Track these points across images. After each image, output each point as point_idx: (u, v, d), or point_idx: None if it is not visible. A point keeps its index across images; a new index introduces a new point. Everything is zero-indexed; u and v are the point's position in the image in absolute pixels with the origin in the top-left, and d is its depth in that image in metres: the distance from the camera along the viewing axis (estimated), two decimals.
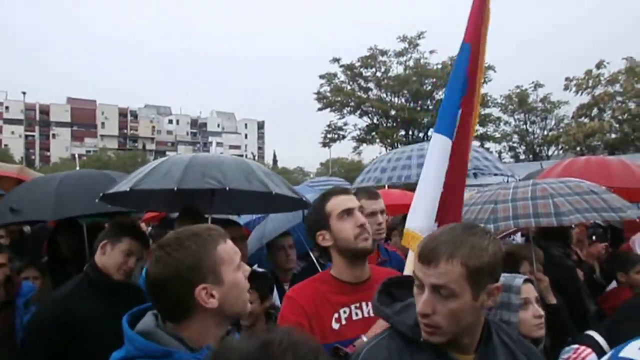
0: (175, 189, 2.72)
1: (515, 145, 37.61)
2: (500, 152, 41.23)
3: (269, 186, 2.94)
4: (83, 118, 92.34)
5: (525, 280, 2.03)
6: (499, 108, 35.71)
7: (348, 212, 2.02)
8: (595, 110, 28.89)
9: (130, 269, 2.63)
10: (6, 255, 3.11)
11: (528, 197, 3.05)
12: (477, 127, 34.07)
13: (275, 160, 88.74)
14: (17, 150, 69.67)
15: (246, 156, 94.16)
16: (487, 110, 34.17)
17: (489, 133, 35.37)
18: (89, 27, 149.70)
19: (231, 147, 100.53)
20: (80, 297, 2.43)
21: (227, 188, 2.76)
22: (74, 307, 2.36)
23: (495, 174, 4.73)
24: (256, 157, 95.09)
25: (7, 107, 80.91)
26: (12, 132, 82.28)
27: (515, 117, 36.82)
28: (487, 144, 37.77)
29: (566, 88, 29.54)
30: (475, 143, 33.94)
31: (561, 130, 32.58)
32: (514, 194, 3.13)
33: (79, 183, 3.97)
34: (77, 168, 8.84)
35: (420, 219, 2.21)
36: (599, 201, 2.88)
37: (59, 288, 2.62)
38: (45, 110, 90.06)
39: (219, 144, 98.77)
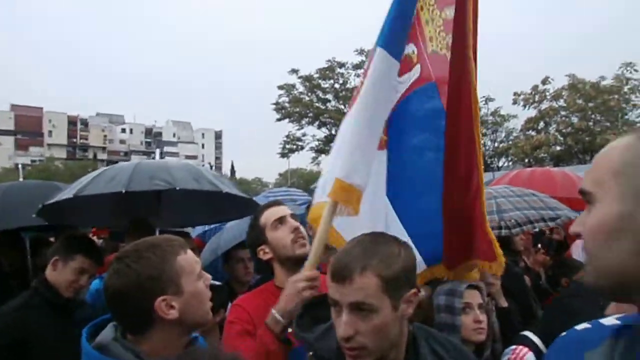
0: (124, 191, 2.66)
1: None
2: None
3: (218, 186, 2.93)
4: (28, 126, 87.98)
5: (470, 286, 2.11)
6: None
7: (280, 220, 2.05)
8: (541, 124, 30.45)
9: (81, 287, 2.58)
10: None
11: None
12: None
13: (233, 171, 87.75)
14: None
15: (203, 166, 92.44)
16: None
17: None
18: (36, 34, 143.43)
19: (187, 157, 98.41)
20: (30, 312, 2.37)
21: (177, 188, 2.72)
22: (24, 322, 2.32)
23: None
24: (213, 168, 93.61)
25: None
26: None
27: None
28: None
29: (515, 102, 31.02)
30: None
31: (511, 142, 34.07)
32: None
33: (23, 194, 3.80)
34: (21, 179, 8.39)
35: (359, 165, 1.82)
36: (538, 202, 3.10)
37: (6, 303, 2.53)
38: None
39: (174, 154, 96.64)
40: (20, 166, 29.45)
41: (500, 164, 36.37)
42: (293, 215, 2.12)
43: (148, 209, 3.25)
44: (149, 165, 3.06)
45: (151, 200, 3.18)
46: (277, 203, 2.17)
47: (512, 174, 6.43)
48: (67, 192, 2.86)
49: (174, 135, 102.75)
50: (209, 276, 1.52)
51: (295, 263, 2.02)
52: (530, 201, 3.11)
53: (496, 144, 36.88)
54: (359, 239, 1.43)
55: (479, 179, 2.07)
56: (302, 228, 2.07)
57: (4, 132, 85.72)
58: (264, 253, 2.07)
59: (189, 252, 1.48)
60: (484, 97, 37.21)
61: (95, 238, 6.25)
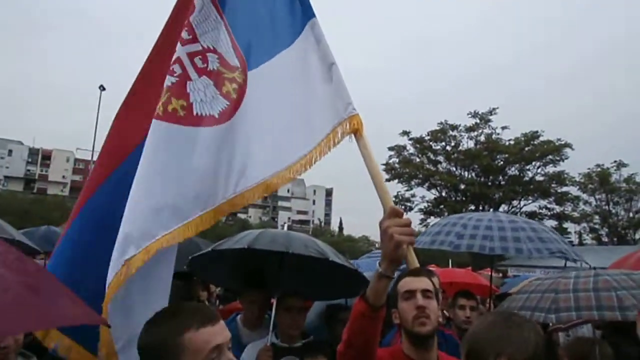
0: (246, 247, 3.05)
1: (596, 226, 35.23)
2: (580, 233, 38.69)
3: (326, 253, 3.18)
4: None
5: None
6: (578, 187, 34.05)
7: (410, 293, 2.09)
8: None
9: None
10: None
11: (590, 288, 2.94)
12: (554, 205, 32.83)
13: (341, 228, 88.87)
14: None
15: (313, 222, 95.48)
16: (565, 189, 32.72)
17: (566, 212, 33.57)
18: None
19: (299, 212, 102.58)
20: None
21: (290, 251, 3.04)
22: None
23: (575, 260, 4.45)
24: (323, 224, 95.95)
25: None
26: None
27: (596, 196, 34.83)
28: (565, 224, 35.74)
29: None
30: (552, 222, 31.90)
31: None
32: (575, 284, 3.04)
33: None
34: None
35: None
36: None
37: None
38: None
39: (287, 209, 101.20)
40: None
41: (637, 236, 32.22)
42: (427, 292, 2.10)
43: (270, 272, 3.51)
44: (273, 232, 3.47)
45: (274, 264, 3.44)
46: (416, 272, 2.07)
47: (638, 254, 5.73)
48: (206, 250, 3.39)
49: (288, 190, 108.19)
50: (231, 357, 1.42)
51: (416, 339, 2.06)
52: None
53: (631, 214, 32.91)
54: (491, 320, 1.51)
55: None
56: (428, 308, 2.06)
57: None
58: (395, 317, 2.15)
59: (209, 328, 1.39)
60: (615, 161, 34.00)
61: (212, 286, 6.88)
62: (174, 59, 2.06)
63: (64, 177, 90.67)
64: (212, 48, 2.16)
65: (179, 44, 2.09)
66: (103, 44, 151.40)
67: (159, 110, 1.95)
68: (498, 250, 4.09)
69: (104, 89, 36.11)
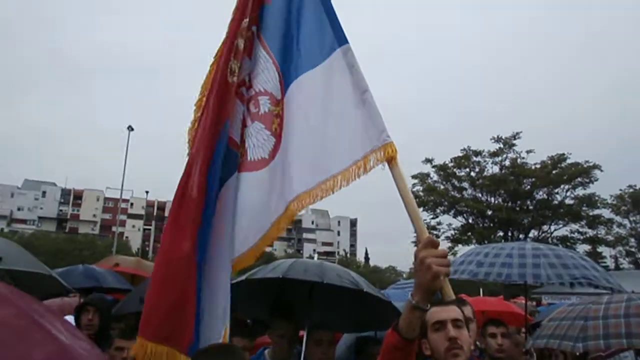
0: (281, 276, 3.14)
1: (633, 249, 33.85)
2: (616, 257, 37.22)
3: (359, 284, 3.22)
4: None
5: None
6: (610, 209, 32.98)
7: (441, 324, 2.05)
8: None
9: None
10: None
11: (621, 314, 2.80)
12: (586, 229, 31.86)
13: (367, 258, 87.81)
14: (135, 242, 77.32)
15: (338, 253, 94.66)
16: (596, 212, 31.75)
17: (600, 236, 32.44)
18: None
19: (324, 244, 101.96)
20: None
21: (324, 281, 3.09)
22: None
23: (605, 286, 4.35)
24: (348, 255, 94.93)
25: (131, 204, 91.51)
26: (133, 226, 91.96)
27: (631, 219, 33.62)
28: (600, 248, 34.45)
29: None
30: (586, 247, 30.73)
31: None
32: (605, 310, 2.92)
33: None
34: None
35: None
36: None
37: None
38: (162, 207, 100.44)
39: (311, 240, 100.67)
40: None
41: None
42: (457, 322, 2.08)
43: (301, 303, 3.56)
44: (306, 262, 3.58)
45: (304, 294, 3.50)
46: (443, 302, 2.00)
47: None
48: (239, 278, 3.44)
49: (312, 222, 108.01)
50: None
51: None
52: None
53: None
54: None
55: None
56: (460, 339, 2.03)
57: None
58: (425, 348, 2.10)
59: None
60: None
61: None
62: (243, 109, 2.25)
63: (94, 215, 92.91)
64: (263, 90, 2.29)
65: (245, 92, 2.27)
66: (129, 86, 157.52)
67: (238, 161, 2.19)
68: (514, 277, 4.11)
69: (132, 129, 37.45)
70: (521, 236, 31.78)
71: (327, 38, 2.22)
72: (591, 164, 30.97)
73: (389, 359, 1.71)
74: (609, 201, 32.86)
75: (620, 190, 33.70)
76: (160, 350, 1.88)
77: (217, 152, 2.06)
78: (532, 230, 32.82)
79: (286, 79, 2.25)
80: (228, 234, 2.13)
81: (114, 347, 3.48)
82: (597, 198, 31.41)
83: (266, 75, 2.29)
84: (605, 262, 36.95)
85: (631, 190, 33.31)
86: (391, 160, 1.94)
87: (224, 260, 2.11)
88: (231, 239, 2.14)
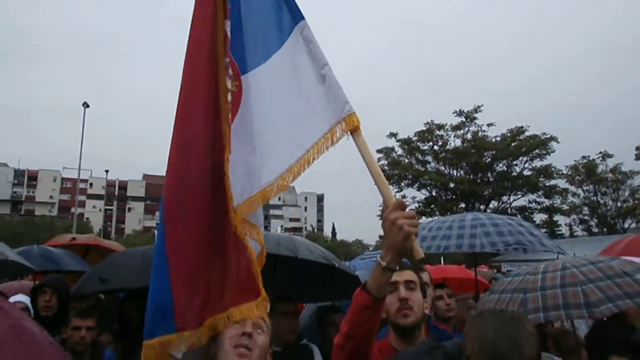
0: None
1: (586, 217, 35.68)
2: (570, 225, 39.13)
3: (330, 260, 3.24)
4: (156, 192, 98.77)
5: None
6: (565, 179, 34.45)
7: (393, 285, 2.09)
8: None
9: None
10: (95, 320, 3.56)
11: (557, 284, 2.67)
12: (543, 199, 33.30)
13: (334, 233, 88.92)
14: (97, 223, 75.16)
15: (305, 229, 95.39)
16: (552, 182, 33.10)
17: (555, 205, 33.95)
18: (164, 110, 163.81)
19: (291, 219, 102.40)
20: None
21: (299, 257, 3.07)
22: None
23: (542, 251, 4.68)
24: (315, 230, 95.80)
25: (91, 184, 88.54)
26: (94, 207, 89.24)
27: (584, 188, 35.28)
28: (556, 217, 36.09)
29: (638, 158, 28.25)
30: (543, 216, 31.95)
31: (637, 201, 30.68)
32: (542, 281, 2.78)
33: None
34: None
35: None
36: (633, 285, 2.49)
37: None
38: (123, 186, 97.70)
39: (278, 217, 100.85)
40: (156, 232, 31.99)
41: (626, 225, 32.65)
42: (409, 283, 2.15)
43: (264, 276, 3.62)
44: (276, 235, 3.51)
45: (269, 267, 3.52)
46: (403, 267, 2.11)
47: (628, 240, 5.75)
48: None
49: (279, 198, 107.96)
50: None
51: (400, 331, 2.11)
52: (623, 284, 2.48)
53: (619, 204, 33.39)
54: (496, 326, 1.47)
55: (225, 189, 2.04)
56: (411, 300, 2.10)
57: (136, 198, 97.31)
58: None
59: None
60: (600, 152, 34.51)
61: None
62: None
63: (51, 197, 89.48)
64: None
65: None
66: (83, 60, 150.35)
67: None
68: (452, 248, 4.35)
69: (87, 106, 35.83)
70: (482, 207, 32.86)
71: (285, 17, 2.25)
72: (548, 136, 32.09)
73: (359, 318, 1.74)
74: (564, 172, 34.30)
75: (575, 161, 35.19)
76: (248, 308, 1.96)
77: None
78: (492, 201, 33.97)
79: (238, 55, 2.24)
80: None
81: (71, 327, 3.37)
82: (553, 169, 32.71)
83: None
84: (560, 230, 38.82)
85: (585, 161, 34.81)
86: (355, 130, 1.97)
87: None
88: None
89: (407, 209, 1.72)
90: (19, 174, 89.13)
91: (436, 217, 5.20)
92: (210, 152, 2.09)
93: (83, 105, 35.55)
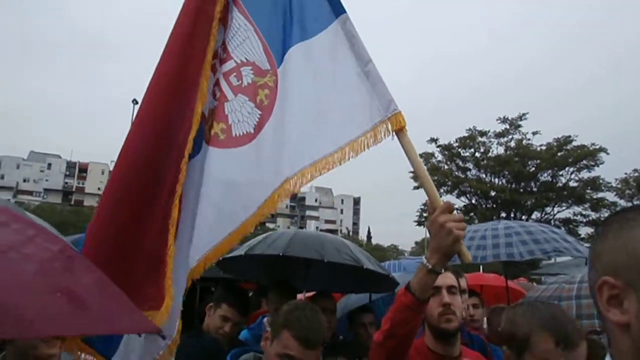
0: (281, 254, 3.12)
1: None
2: None
3: (360, 261, 3.24)
4: None
5: None
6: (614, 193, 32.85)
7: (435, 289, 2.05)
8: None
9: (226, 333, 2.83)
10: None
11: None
12: (589, 212, 31.79)
13: (369, 237, 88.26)
14: None
15: (341, 231, 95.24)
16: (600, 195, 31.64)
17: (603, 219, 32.39)
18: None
19: (327, 221, 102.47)
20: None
21: (325, 260, 3.10)
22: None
23: (575, 257, 4.54)
24: (351, 233, 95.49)
25: None
26: None
27: (634, 202, 33.49)
28: None
29: None
30: (589, 229, 30.72)
31: None
32: (578, 290, 2.90)
33: None
34: None
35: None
36: None
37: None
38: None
39: (314, 218, 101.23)
40: None
41: None
42: (452, 288, 2.15)
43: (297, 274, 3.62)
44: (304, 236, 3.54)
45: (302, 267, 3.53)
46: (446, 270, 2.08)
47: None
48: (239, 250, 3.44)
49: (316, 200, 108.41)
50: None
51: (442, 335, 2.12)
52: None
53: None
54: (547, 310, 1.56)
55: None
56: (454, 305, 2.10)
57: None
58: None
59: None
60: None
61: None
62: (213, 81, 2.05)
63: (99, 189, 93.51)
64: (245, 61, 2.12)
65: (218, 64, 2.07)
66: (135, 59, 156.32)
67: (206, 135, 1.99)
68: (490, 258, 4.22)
69: (136, 102, 37.25)
70: (524, 217, 31.80)
71: (323, 8, 2.10)
72: (597, 147, 30.72)
73: (401, 317, 1.76)
74: (614, 184, 32.74)
75: (626, 174, 33.51)
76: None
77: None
78: (535, 212, 32.81)
79: (274, 48, 2.13)
80: (189, 220, 1.97)
81: None
82: (601, 181, 31.27)
83: (248, 45, 2.14)
84: None
85: (636, 174, 33.08)
86: (401, 130, 1.90)
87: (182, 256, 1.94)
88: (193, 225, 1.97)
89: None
90: (70, 165, 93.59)
91: (471, 226, 5.01)
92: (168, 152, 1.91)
93: (132, 102, 37.06)
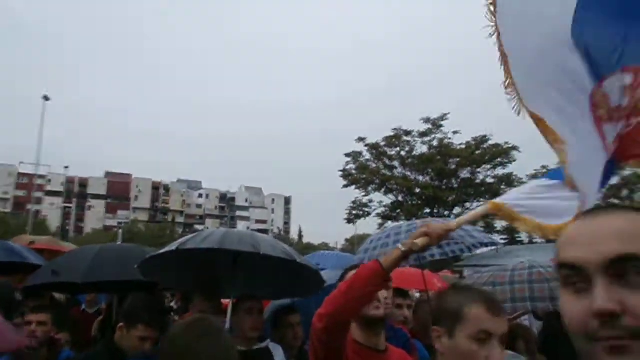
0: (216, 247, 2.97)
1: None
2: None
3: (292, 256, 3.21)
4: (118, 191, 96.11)
5: None
6: None
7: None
8: (625, 192, 28.58)
9: (148, 350, 2.66)
10: (48, 315, 3.38)
11: (525, 280, 3.18)
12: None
13: (300, 236, 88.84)
14: (55, 221, 72.38)
15: (272, 231, 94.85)
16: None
17: None
18: (128, 112, 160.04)
19: (258, 221, 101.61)
20: None
21: (261, 252, 2.99)
22: None
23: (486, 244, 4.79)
24: (282, 232, 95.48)
25: (49, 180, 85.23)
26: (52, 204, 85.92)
27: None
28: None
29: None
30: (503, 223, 32.75)
31: None
32: (511, 277, 3.27)
33: (115, 254, 4.41)
34: (119, 242, 9.10)
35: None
36: None
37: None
38: (83, 184, 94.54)
39: (245, 218, 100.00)
40: (120, 232, 30.31)
41: None
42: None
43: (224, 279, 3.50)
44: (238, 232, 3.45)
45: (229, 264, 3.40)
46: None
47: None
48: (169, 247, 3.20)
49: (246, 200, 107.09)
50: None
51: (365, 323, 2.16)
52: None
53: None
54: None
55: None
56: (379, 294, 2.12)
57: (97, 196, 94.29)
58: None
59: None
60: (559, 162, 35.71)
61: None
62: None
63: (5, 192, 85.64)
64: None
65: None
66: (42, 51, 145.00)
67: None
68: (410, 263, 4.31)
69: (48, 99, 34.50)
70: (446, 213, 33.53)
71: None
72: (510, 145, 33.11)
73: (359, 286, 1.82)
74: (525, 180, 35.42)
75: (535, 170, 36.40)
76: None
77: None
78: (456, 207, 34.71)
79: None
80: None
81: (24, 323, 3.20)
82: (514, 177, 33.74)
83: None
84: (520, 237, 40.04)
85: (544, 170, 36.03)
86: None
87: None
88: None
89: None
90: None
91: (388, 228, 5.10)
92: None
93: (43, 98, 34.21)
